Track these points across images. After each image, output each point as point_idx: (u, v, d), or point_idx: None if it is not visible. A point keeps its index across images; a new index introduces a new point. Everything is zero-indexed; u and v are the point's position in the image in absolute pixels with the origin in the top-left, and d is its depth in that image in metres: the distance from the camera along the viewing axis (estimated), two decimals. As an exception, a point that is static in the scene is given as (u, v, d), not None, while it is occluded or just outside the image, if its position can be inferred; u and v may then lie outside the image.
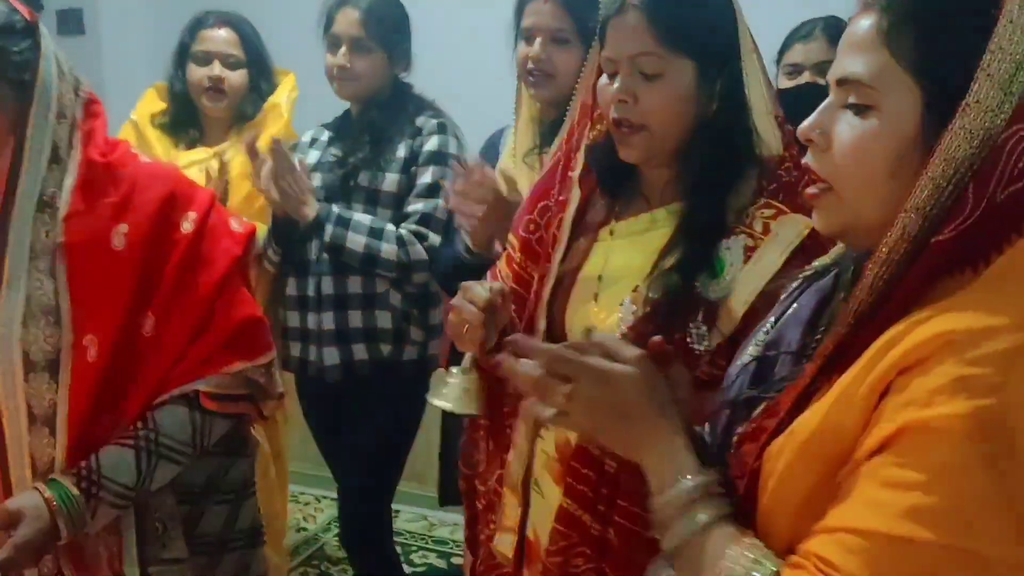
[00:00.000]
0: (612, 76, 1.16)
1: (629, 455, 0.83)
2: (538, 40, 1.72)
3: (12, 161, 1.20)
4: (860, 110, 0.75)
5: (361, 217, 1.96)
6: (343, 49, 2.00)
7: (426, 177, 1.99)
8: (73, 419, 1.22)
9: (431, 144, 2.00)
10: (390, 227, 1.96)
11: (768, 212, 1.13)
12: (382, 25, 2.01)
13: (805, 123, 0.79)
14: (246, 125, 2.15)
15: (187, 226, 1.29)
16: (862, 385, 0.69)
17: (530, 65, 1.73)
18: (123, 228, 1.24)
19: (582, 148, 1.26)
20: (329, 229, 1.92)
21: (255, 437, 1.47)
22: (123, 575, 1.26)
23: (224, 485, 1.40)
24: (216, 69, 2.12)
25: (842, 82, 0.76)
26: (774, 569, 0.70)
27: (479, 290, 1.18)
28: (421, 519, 3.07)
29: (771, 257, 1.10)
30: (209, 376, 1.27)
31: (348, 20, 2.00)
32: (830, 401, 0.71)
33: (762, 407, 0.81)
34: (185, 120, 2.18)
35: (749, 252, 1.12)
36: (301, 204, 1.91)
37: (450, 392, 1.22)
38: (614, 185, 1.26)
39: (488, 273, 1.41)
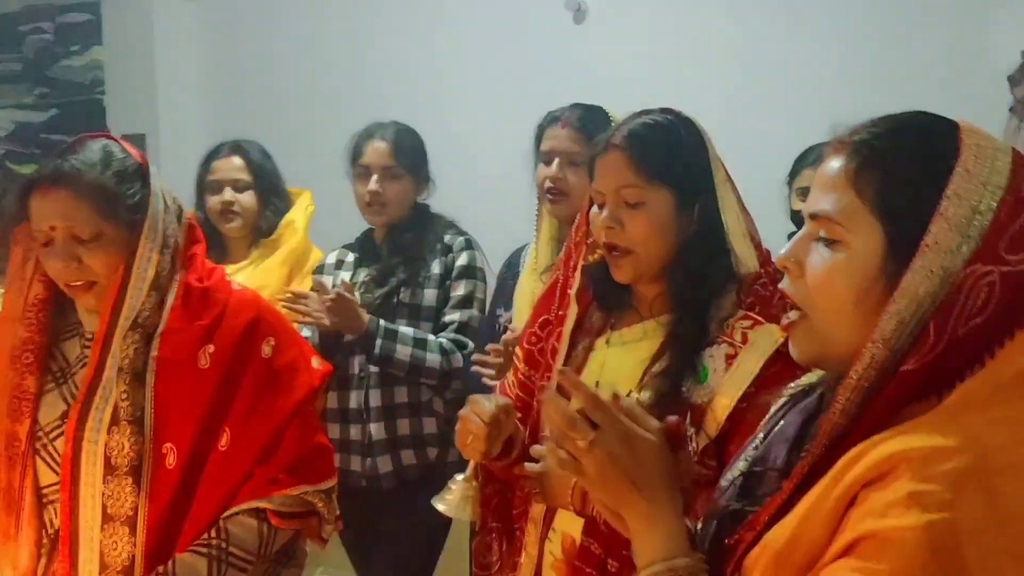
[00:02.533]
0: (601, 206, 1.30)
1: (620, 518, 0.86)
2: (556, 162, 1.90)
3: (119, 286, 1.35)
4: (829, 243, 0.81)
5: (406, 329, 2.10)
6: (375, 178, 2.17)
7: (460, 290, 2.16)
8: (151, 521, 1.33)
9: (462, 260, 2.18)
10: (432, 338, 2.11)
11: (746, 323, 1.23)
12: (409, 154, 2.20)
13: (782, 252, 0.86)
14: (264, 241, 2.34)
15: (267, 350, 1.41)
16: (829, 499, 0.74)
17: (548, 184, 1.91)
18: (210, 348, 1.38)
19: (579, 268, 1.38)
20: (379, 342, 2.05)
21: (303, 549, 1.53)
22: None
23: None
24: (227, 195, 2.32)
25: (814, 216, 0.83)
26: None
27: (486, 404, 1.28)
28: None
29: (749, 364, 1.20)
30: (274, 496, 1.37)
31: (378, 151, 2.19)
32: (800, 514, 0.76)
33: (747, 520, 0.85)
34: (209, 241, 2.38)
35: (730, 360, 1.22)
36: (355, 319, 2.05)
37: (451, 497, 1.28)
38: (609, 300, 1.37)
39: (497, 386, 1.52)
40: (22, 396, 1.40)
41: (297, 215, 2.38)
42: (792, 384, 0.97)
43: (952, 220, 0.75)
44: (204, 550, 1.33)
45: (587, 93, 2.01)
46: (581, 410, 0.85)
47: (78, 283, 1.36)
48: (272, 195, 2.37)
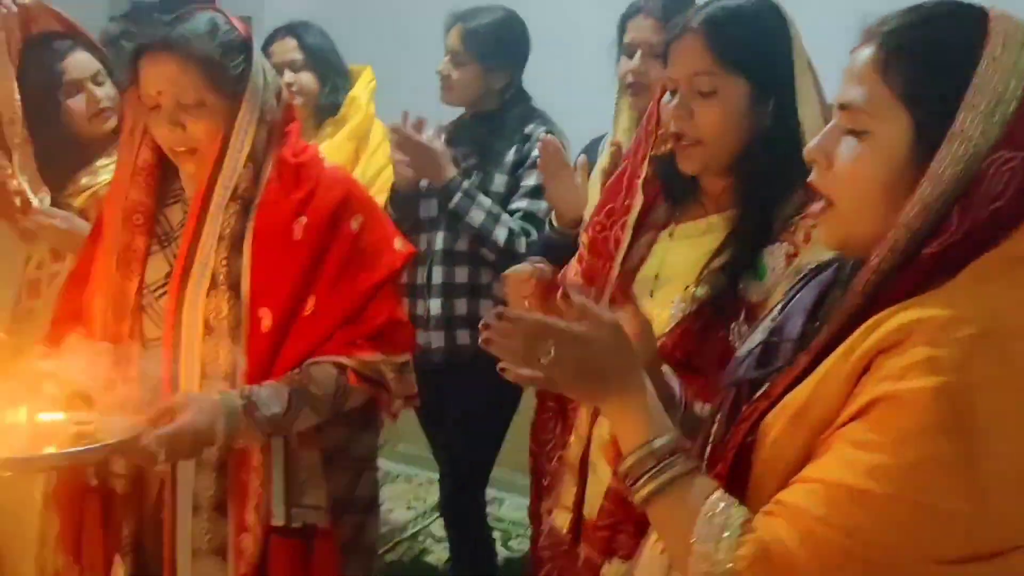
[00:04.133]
0: (674, 93, 1.27)
1: (602, 409, 0.93)
2: (638, 54, 1.85)
3: (217, 156, 1.42)
4: (858, 134, 0.83)
5: (485, 198, 2.12)
6: (446, 59, 2.20)
7: (532, 180, 2.16)
8: (249, 377, 1.41)
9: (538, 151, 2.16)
10: (507, 216, 2.13)
11: (810, 223, 1.20)
12: (481, 42, 2.18)
13: (810, 144, 0.88)
14: (328, 120, 2.37)
15: (354, 225, 1.47)
16: (846, 363, 0.79)
17: (630, 78, 1.87)
18: (303, 220, 1.44)
19: (647, 158, 1.37)
20: (457, 197, 2.08)
21: (381, 419, 1.62)
22: (269, 510, 1.44)
23: (350, 453, 1.56)
24: (287, 76, 2.34)
25: (843, 107, 0.85)
26: (746, 516, 0.80)
27: (520, 267, 1.29)
28: (523, 508, 3.21)
29: (808, 264, 1.17)
30: (353, 355, 1.44)
31: (453, 35, 2.21)
32: (816, 379, 0.81)
33: (763, 389, 0.90)
34: None
35: (790, 259, 1.20)
36: (439, 166, 2.08)
37: None
38: (676, 192, 1.36)
39: (561, 273, 1.54)
40: (132, 255, 1.50)
41: (360, 91, 2.39)
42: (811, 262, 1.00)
43: (978, 108, 0.77)
44: (287, 382, 1.41)
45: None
46: (532, 330, 0.89)
47: (181, 148, 1.43)
48: (330, 73, 2.39)
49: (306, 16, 2.56)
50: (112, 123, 1.95)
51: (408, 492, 3.33)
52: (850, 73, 0.84)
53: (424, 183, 2.17)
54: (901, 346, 0.75)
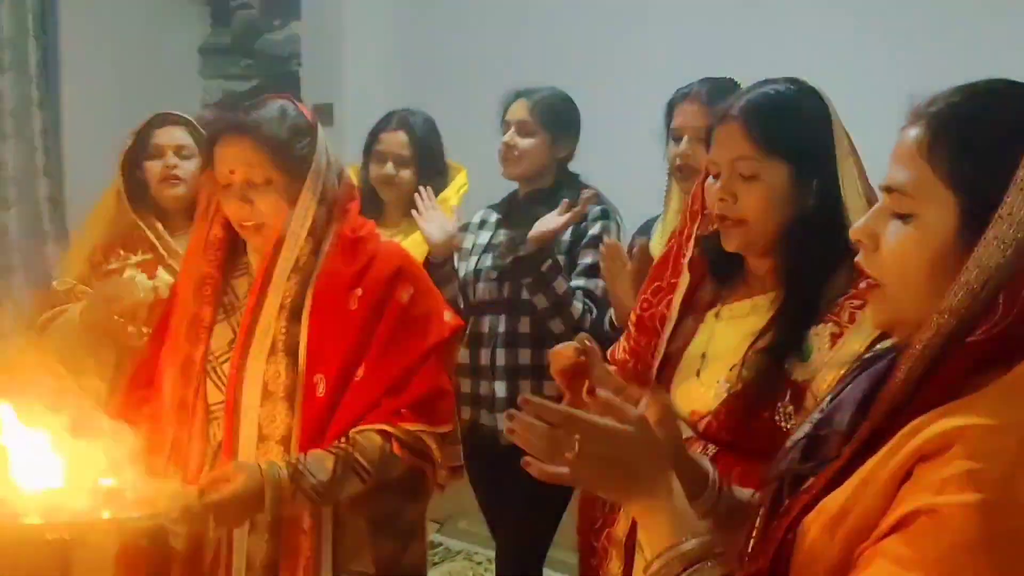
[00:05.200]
0: (716, 176, 1.30)
1: (630, 508, 0.89)
2: (685, 138, 1.90)
3: (280, 231, 1.51)
4: (904, 217, 0.80)
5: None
6: (511, 131, 2.26)
7: (588, 258, 2.18)
8: (303, 440, 1.48)
9: (595, 229, 2.20)
10: (580, 293, 2.15)
11: (856, 303, 1.20)
12: (548, 112, 2.25)
13: (856, 225, 0.86)
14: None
15: (404, 297, 1.55)
16: (885, 469, 0.75)
17: (678, 162, 1.91)
18: (358, 292, 1.52)
19: (693, 237, 1.40)
20: (549, 261, 2.11)
21: (428, 490, 1.63)
22: (319, 573, 1.48)
23: (398, 522, 1.59)
24: (388, 168, 2.40)
25: (888, 189, 0.83)
26: None
27: (564, 350, 1.27)
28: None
29: (853, 345, 1.16)
30: (397, 425, 1.49)
31: (518, 107, 2.27)
32: (856, 483, 0.77)
33: (807, 483, 0.86)
34: (368, 203, 2.37)
35: (835, 339, 1.20)
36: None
37: None
38: (722, 271, 1.38)
39: (609, 352, 1.56)
40: (199, 324, 1.59)
41: (451, 193, 2.43)
42: (867, 351, 0.96)
43: None
44: (332, 450, 1.46)
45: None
46: (559, 423, 0.86)
47: (249, 223, 1.53)
48: (431, 171, 2.41)
49: (382, 103, 2.69)
50: (179, 191, 2.09)
51: (468, 569, 3.30)
52: (896, 154, 0.83)
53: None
54: (942, 455, 0.71)
